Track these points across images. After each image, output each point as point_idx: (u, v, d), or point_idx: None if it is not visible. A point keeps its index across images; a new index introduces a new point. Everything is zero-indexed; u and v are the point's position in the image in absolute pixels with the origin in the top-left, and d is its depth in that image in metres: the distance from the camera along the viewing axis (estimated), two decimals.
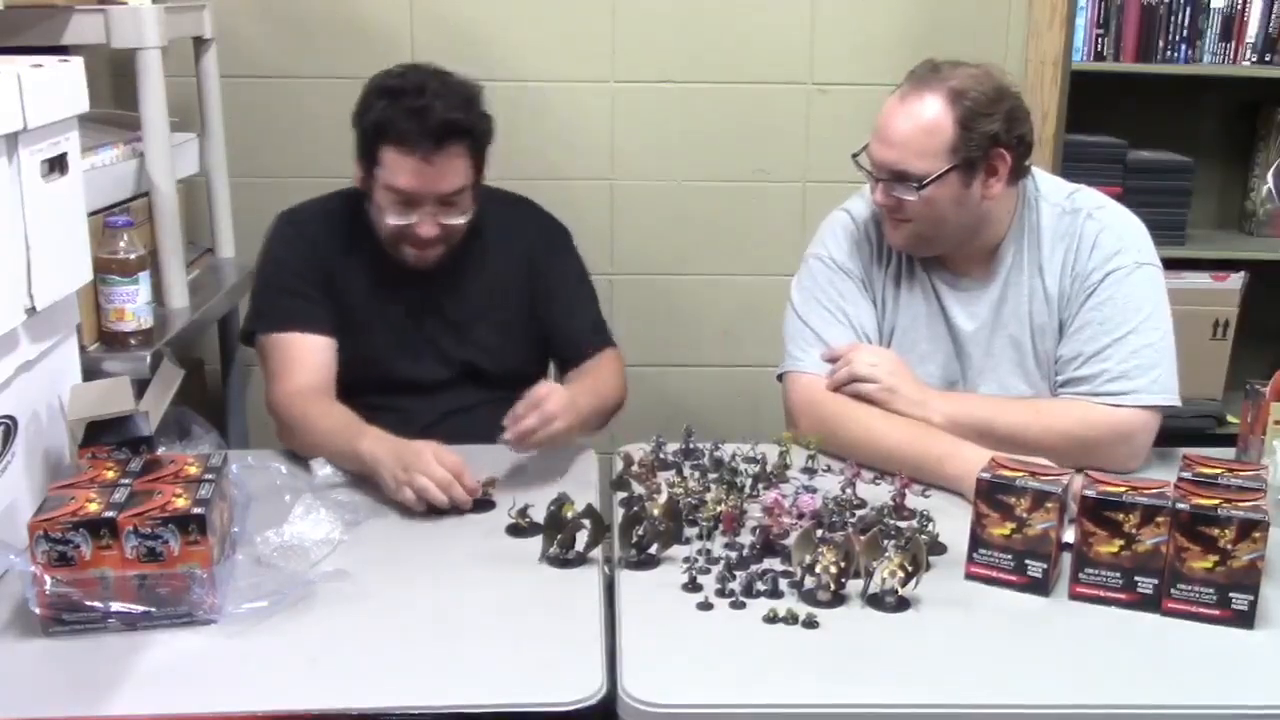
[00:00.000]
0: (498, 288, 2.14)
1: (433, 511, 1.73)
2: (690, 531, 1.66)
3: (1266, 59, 2.80)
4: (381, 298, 2.09)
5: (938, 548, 1.62)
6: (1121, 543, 1.48)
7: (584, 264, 2.24)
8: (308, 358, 2.01)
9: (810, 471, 1.88)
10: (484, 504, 1.76)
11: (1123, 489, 1.49)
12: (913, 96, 1.84)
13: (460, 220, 2.01)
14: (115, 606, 1.39)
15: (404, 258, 2.04)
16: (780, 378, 2.03)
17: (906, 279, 1.99)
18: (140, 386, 1.91)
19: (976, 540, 1.55)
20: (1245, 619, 1.45)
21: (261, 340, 2.06)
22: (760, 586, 1.50)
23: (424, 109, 1.92)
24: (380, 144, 1.96)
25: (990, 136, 1.83)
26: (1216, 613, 1.45)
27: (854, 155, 1.92)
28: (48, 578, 1.38)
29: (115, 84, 2.69)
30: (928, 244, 1.94)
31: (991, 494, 1.53)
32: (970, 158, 1.83)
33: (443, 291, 2.11)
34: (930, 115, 1.82)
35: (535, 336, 2.17)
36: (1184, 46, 2.79)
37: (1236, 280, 2.88)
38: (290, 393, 1.96)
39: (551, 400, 1.82)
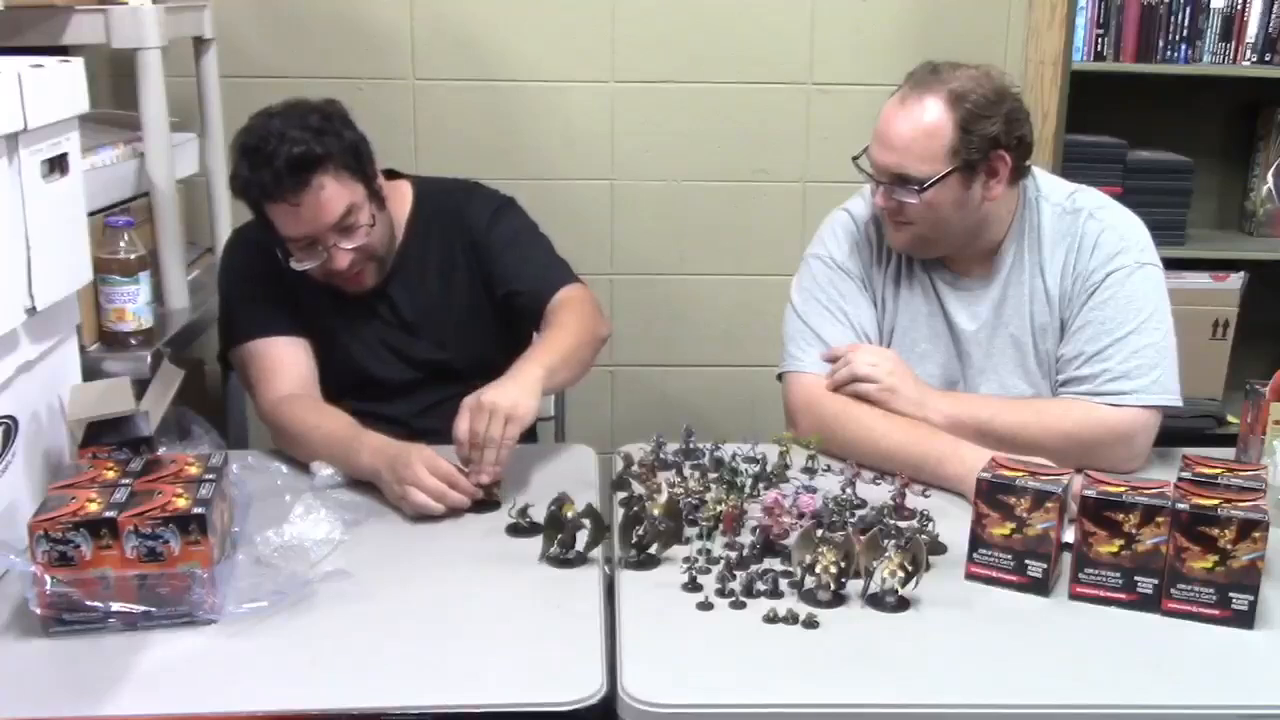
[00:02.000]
0: (447, 279, 2.11)
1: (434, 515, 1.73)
2: (690, 531, 1.66)
3: (1266, 59, 2.80)
4: (337, 305, 2.06)
5: (938, 548, 1.62)
6: (1121, 543, 1.48)
7: (528, 220, 2.17)
8: (285, 360, 2.00)
9: (810, 471, 1.88)
10: (488, 504, 1.76)
11: (1123, 489, 1.49)
12: (912, 99, 1.84)
13: (365, 240, 1.97)
14: (115, 606, 1.39)
15: (343, 291, 2.03)
16: (780, 378, 2.03)
17: (907, 279, 1.99)
18: (140, 386, 1.91)
19: (976, 540, 1.55)
20: (1245, 619, 1.45)
21: (236, 354, 2.05)
22: (760, 586, 1.50)
23: (269, 157, 1.87)
24: (257, 204, 1.95)
25: (990, 139, 1.83)
26: (1216, 613, 1.45)
27: (854, 158, 1.92)
28: (48, 578, 1.38)
29: (115, 84, 2.69)
30: (929, 246, 1.94)
31: (991, 494, 1.53)
32: (970, 160, 1.83)
33: (395, 293, 2.09)
34: (930, 118, 1.82)
35: (499, 316, 2.13)
36: (1184, 46, 2.79)
37: (1236, 280, 2.89)
38: (276, 400, 1.95)
39: (477, 428, 1.75)
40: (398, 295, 2.09)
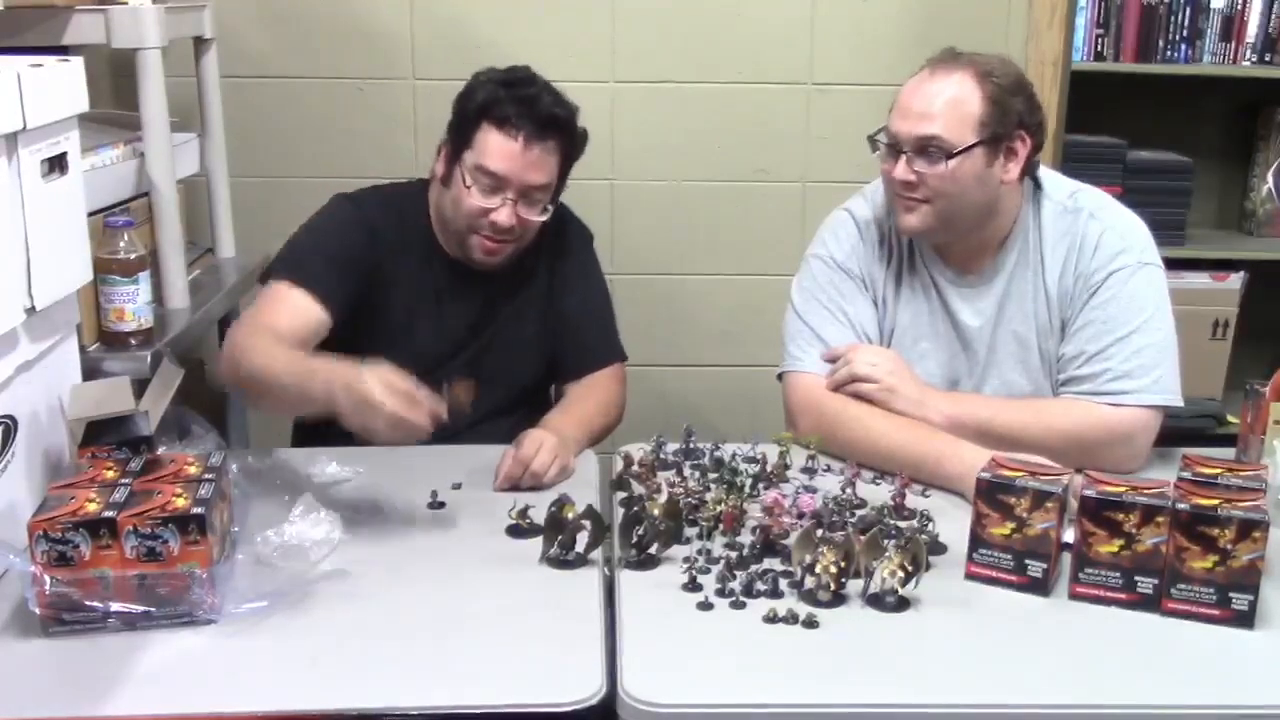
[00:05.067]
0: (526, 302, 2.15)
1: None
2: (690, 531, 1.66)
3: (1266, 59, 2.80)
4: (425, 310, 2.09)
5: (938, 548, 1.62)
6: (1121, 543, 1.48)
7: (600, 269, 2.24)
8: (295, 312, 1.93)
9: (810, 471, 1.88)
10: (455, 414, 1.70)
11: (1123, 489, 1.49)
12: (941, 72, 1.85)
13: (536, 219, 2.02)
14: (115, 606, 1.39)
15: (471, 253, 2.04)
16: (780, 377, 2.03)
17: (909, 278, 1.99)
18: (140, 386, 1.91)
19: (976, 540, 1.55)
20: (1245, 619, 1.45)
21: (272, 283, 1.99)
22: (760, 586, 1.50)
23: (533, 98, 1.98)
24: (481, 123, 1.98)
25: (1017, 115, 1.84)
26: (1216, 613, 1.45)
27: (870, 136, 1.92)
28: (48, 578, 1.38)
29: (115, 84, 2.69)
30: (943, 225, 1.90)
31: (991, 494, 1.53)
32: (997, 134, 1.83)
33: (485, 305, 2.12)
34: (960, 90, 1.83)
35: (550, 343, 2.17)
36: (1184, 46, 2.79)
37: (1236, 280, 2.89)
38: (250, 325, 1.89)
39: (539, 459, 1.81)
40: (484, 296, 2.11)
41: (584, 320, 2.17)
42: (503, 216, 1.98)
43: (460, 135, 2.01)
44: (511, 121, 1.95)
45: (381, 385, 1.60)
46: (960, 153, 1.82)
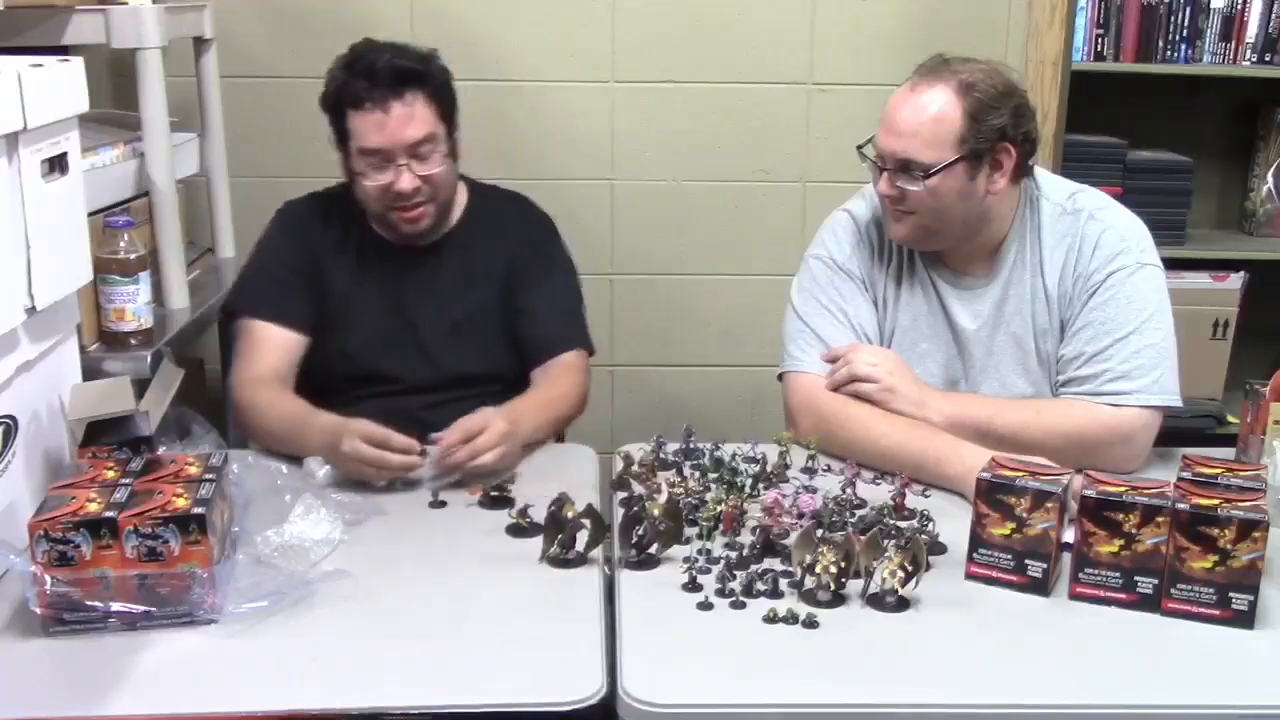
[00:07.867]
0: (480, 285, 2.14)
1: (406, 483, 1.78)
2: (690, 531, 1.66)
3: (1266, 59, 2.80)
4: (366, 291, 2.12)
5: (938, 548, 1.62)
6: (1121, 543, 1.48)
7: (568, 256, 2.23)
8: (271, 347, 2.05)
9: (810, 471, 1.88)
10: (500, 500, 1.76)
11: (1123, 489, 1.49)
12: (923, 87, 1.85)
13: (437, 169, 2.03)
14: (115, 606, 1.40)
15: (396, 228, 2.07)
16: (780, 378, 2.03)
17: (908, 278, 1.99)
18: (140, 386, 1.91)
19: (976, 540, 1.55)
20: (1245, 619, 1.45)
21: (237, 322, 2.11)
22: (760, 586, 1.50)
23: (371, 65, 2.00)
24: (344, 113, 2.01)
25: (998, 130, 1.83)
26: (1216, 613, 1.45)
27: (859, 146, 1.92)
28: (48, 577, 1.38)
29: (115, 84, 2.69)
30: (929, 237, 1.93)
31: (991, 494, 1.53)
32: (977, 149, 1.83)
33: (428, 285, 2.13)
34: (940, 106, 1.82)
35: (511, 333, 2.16)
36: (1184, 46, 2.80)
37: (1236, 280, 2.89)
38: (245, 380, 2.01)
39: (485, 436, 1.80)
40: (429, 285, 2.13)
41: (546, 306, 2.15)
42: (404, 183, 2.01)
43: (338, 132, 2.05)
44: (363, 95, 1.98)
45: (360, 437, 1.76)
46: (937, 171, 1.82)
